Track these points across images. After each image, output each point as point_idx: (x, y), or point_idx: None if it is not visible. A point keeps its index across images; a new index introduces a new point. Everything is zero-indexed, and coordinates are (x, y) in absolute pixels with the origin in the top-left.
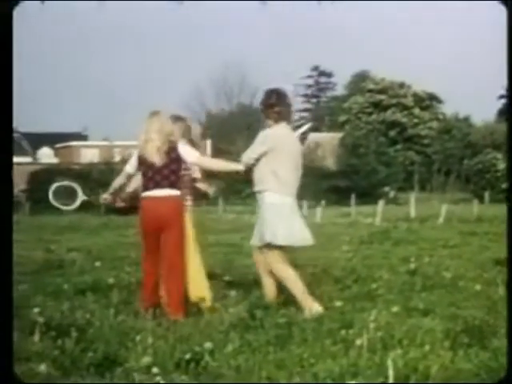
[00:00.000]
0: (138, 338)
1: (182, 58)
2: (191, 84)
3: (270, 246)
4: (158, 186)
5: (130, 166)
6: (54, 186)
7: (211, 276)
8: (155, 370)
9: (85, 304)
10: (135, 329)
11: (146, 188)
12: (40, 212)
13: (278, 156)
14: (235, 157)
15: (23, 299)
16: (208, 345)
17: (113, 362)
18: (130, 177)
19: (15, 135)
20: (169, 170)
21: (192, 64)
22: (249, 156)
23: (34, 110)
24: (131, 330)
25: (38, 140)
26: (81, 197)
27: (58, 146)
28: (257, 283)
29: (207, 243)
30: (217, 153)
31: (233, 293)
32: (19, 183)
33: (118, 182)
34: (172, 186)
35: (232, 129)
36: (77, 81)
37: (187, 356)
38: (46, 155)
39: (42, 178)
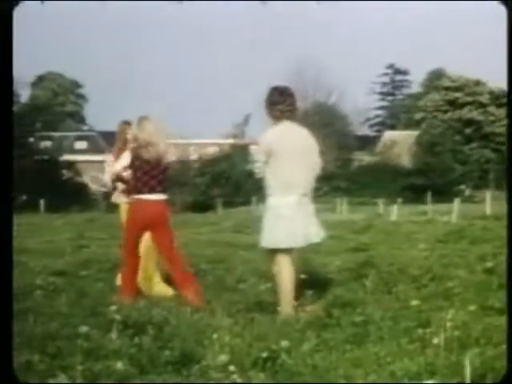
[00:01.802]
0: (214, 335)
1: (256, 57)
2: (265, 83)
3: (274, 250)
4: (152, 190)
5: (121, 167)
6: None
7: None
8: (232, 368)
9: (161, 301)
10: (212, 327)
11: (140, 191)
12: (116, 210)
13: (279, 157)
14: None
15: (100, 297)
16: (285, 343)
17: (190, 360)
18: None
19: (91, 134)
20: (163, 175)
21: (265, 63)
22: (258, 171)
23: (110, 108)
24: (208, 327)
25: (114, 138)
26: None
27: None
28: (334, 282)
29: None
30: None
31: (309, 291)
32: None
33: (118, 167)
34: (163, 190)
35: (308, 127)
36: (154, 79)
37: (264, 354)
38: None
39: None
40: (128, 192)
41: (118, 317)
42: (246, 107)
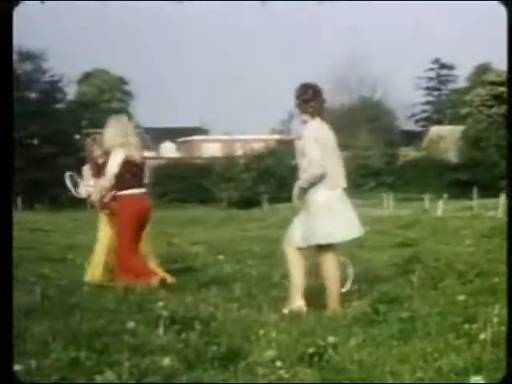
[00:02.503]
0: (261, 331)
1: (300, 54)
2: (310, 78)
3: (321, 246)
4: (140, 184)
5: (115, 168)
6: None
7: None
8: (278, 363)
9: (208, 297)
10: (258, 322)
11: (131, 186)
12: (163, 206)
13: (326, 149)
14: (358, 151)
15: (147, 293)
16: (331, 339)
17: (236, 356)
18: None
19: (137, 130)
20: (143, 170)
21: (310, 59)
22: (318, 164)
23: (156, 104)
24: (254, 323)
25: (161, 135)
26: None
27: (180, 140)
28: (380, 277)
29: None
30: (339, 146)
31: (356, 287)
32: None
33: (107, 184)
34: (144, 185)
35: (353, 123)
36: (198, 75)
37: (310, 350)
38: (169, 150)
39: (165, 172)
40: (117, 189)
41: (165, 313)
42: (292, 103)
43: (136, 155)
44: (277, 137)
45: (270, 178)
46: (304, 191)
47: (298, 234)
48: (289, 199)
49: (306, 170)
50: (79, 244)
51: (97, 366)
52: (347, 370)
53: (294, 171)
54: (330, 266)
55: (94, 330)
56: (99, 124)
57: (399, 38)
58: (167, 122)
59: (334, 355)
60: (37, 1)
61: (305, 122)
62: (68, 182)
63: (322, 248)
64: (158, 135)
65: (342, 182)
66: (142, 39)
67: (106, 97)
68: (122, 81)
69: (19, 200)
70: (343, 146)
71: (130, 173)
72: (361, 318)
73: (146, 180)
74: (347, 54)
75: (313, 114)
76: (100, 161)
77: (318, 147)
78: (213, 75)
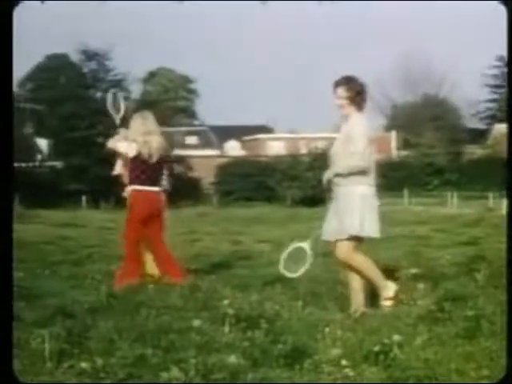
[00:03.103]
0: (326, 329)
1: (364, 51)
2: (374, 76)
3: (351, 239)
4: (153, 182)
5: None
6: None
7: (398, 268)
8: (344, 361)
9: (273, 295)
10: (323, 321)
11: (142, 182)
12: (228, 204)
13: (358, 146)
14: (423, 149)
15: (212, 291)
16: (397, 337)
17: (302, 354)
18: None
19: (202, 128)
20: (159, 168)
21: (374, 57)
22: (363, 157)
23: (222, 103)
24: (319, 321)
25: (226, 133)
26: None
27: (244, 138)
28: (445, 276)
29: (394, 235)
30: (404, 145)
31: (421, 285)
32: (207, 176)
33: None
34: (159, 183)
35: (418, 120)
36: (263, 73)
37: (376, 348)
38: (233, 148)
39: (230, 170)
40: (129, 183)
41: (230, 311)
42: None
43: (151, 153)
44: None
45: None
46: (332, 182)
47: (331, 227)
48: None
49: (346, 160)
50: None
51: (163, 364)
52: (413, 369)
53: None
54: (363, 260)
55: (160, 327)
56: (164, 123)
57: (463, 34)
58: (232, 120)
59: (399, 354)
60: (37, 1)
61: (348, 115)
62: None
63: (351, 242)
64: (223, 133)
65: (375, 179)
66: (208, 38)
67: (170, 95)
68: (187, 79)
69: (84, 198)
70: (408, 144)
71: (141, 169)
72: (426, 316)
73: (165, 180)
74: (411, 50)
75: (361, 107)
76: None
77: (365, 140)
78: (277, 74)
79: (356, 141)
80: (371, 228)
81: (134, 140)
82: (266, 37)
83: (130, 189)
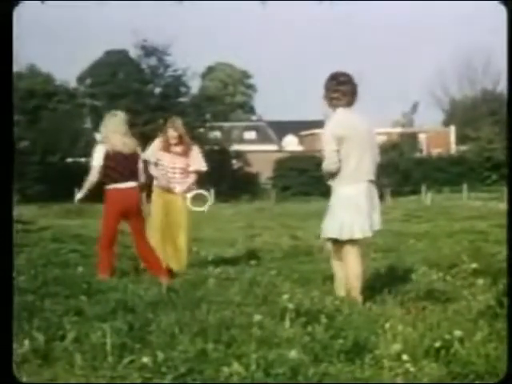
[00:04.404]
0: (387, 325)
1: (424, 46)
2: (434, 70)
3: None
4: (126, 178)
5: (97, 161)
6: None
7: (457, 263)
8: (405, 357)
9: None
10: (384, 316)
11: (114, 180)
12: (286, 199)
13: (348, 143)
14: (482, 143)
15: (272, 286)
16: (457, 333)
17: (362, 349)
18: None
19: (260, 124)
20: (132, 164)
21: (434, 52)
22: (329, 159)
23: (279, 98)
24: (380, 317)
25: (283, 128)
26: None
27: (302, 133)
28: (504, 271)
29: (452, 230)
30: (463, 140)
31: (480, 281)
32: (265, 171)
33: (92, 179)
34: (134, 178)
35: (476, 115)
36: (320, 68)
37: (437, 344)
38: (291, 143)
39: (288, 165)
40: (103, 183)
41: (290, 305)
42: (414, 96)
43: (120, 149)
44: (399, 130)
45: (393, 172)
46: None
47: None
48: (412, 192)
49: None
50: (202, 237)
51: (224, 358)
52: (473, 364)
53: (417, 164)
54: (350, 261)
55: (221, 322)
56: (222, 117)
57: None
58: (290, 115)
59: (460, 349)
60: (37, 1)
61: (329, 114)
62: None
63: (344, 242)
64: (280, 129)
65: (369, 175)
66: (266, 34)
67: (229, 90)
68: (246, 74)
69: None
70: (467, 139)
71: (111, 168)
72: (486, 311)
73: (140, 175)
74: (471, 46)
75: (336, 105)
76: (172, 141)
77: (334, 141)
78: (334, 69)
79: (323, 141)
80: (353, 230)
81: (105, 138)
82: (323, 33)
83: (105, 189)
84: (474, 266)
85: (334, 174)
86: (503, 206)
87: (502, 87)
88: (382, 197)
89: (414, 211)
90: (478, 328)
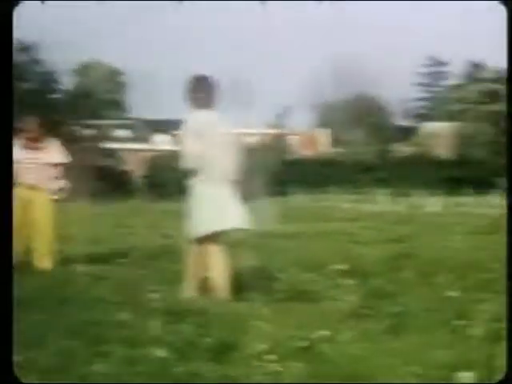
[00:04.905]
0: (255, 324)
1: (299, 53)
2: (309, 74)
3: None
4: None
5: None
6: None
7: (326, 264)
8: (271, 356)
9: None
10: (252, 315)
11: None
12: (158, 198)
13: (208, 142)
14: (353, 147)
15: (140, 284)
16: (324, 333)
17: (230, 348)
18: None
19: (133, 122)
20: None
21: (310, 53)
22: (188, 158)
23: (152, 96)
24: (248, 316)
25: (156, 126)
26: None
27: (175, 132)
28: (372, 272)
29: (322, 231)
30: (336, 142)
31: (348, 281)
32: (138, 169)
33: None
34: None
35: (348, 118)
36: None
37: (303, 343)
38: (164, 141)
39: (161, 164)
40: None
41: (158, 304)
42: (289, 98)
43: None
44: (271, 131)
45: (263, 173)
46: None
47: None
48: (282, 194)
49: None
50: (71, 235)
51: (91, 357)
52: (339, 364)
53: (288, 166)
54: (215, 260)
55: (88, 320)
56: (96, 115)
57: (394, 34)
58: (164, 113)
59: (325, 349)
60: (37, 1)
61: (194, 112)
62: None
63: (208, 241)
64: (152, 127)
65: (229, 175)
66: (137, 30)
67: (102, 87)
68: (118, 72)
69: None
70: (339, 142)
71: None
72: (353, 312)
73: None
74: (344, 50)
75: (197, 105)
76: (30, 138)
77: (192, 140)
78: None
79: (182, 140)
80: (214, 228)
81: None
82: (191, 35)
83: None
84: (342, 266)
85: (194, 173)
86: (374, 208)
87: (375, 90)
88: (250, 197)
89: (284, 212)
90: (345, 328)
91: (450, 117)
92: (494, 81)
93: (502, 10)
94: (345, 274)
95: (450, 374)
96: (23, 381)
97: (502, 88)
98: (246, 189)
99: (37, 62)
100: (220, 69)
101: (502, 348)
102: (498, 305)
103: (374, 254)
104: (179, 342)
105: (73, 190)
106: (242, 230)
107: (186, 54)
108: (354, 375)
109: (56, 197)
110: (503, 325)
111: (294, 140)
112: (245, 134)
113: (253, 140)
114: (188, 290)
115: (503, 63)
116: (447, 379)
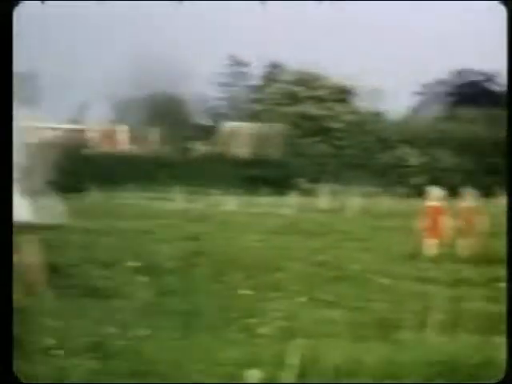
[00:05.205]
0: (42, 319)
1: (98, 50)
2: (104, 70)
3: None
4: None
5: None
6: None
7: (119, 260)
8: (58, 351)
9: None
10: (41, 310)
11: None
12: None
13: None
14: (152, 144)
15: None
16: (112, 330)
17: (17, 343)
18: None
19: None
20: None
21: (106, 51)
22: None
23: None
24: (37, 311)
25: None
26: None
27: None
28: (165, 270)
29: (117, 228)
30: (135, 139)
31: (141, 278)
32: None
33: None
34: None
35: (149, 115)
36: None
37: (93, 339)
38: None
39: None
40: None
41: None
42: (88, 94)
43: None
44: (69, 126)
45: (58, 168)
46: None
47: None
48: (77, 190)
49: None
50: None
51: None
52: (128, 359)
53: (84, 161)
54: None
55: None
56: None
57: (196, 33)
58: None
59: (117, 344)
60: (37, 0)
61: None
62: None
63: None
64: None
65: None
66: None
67: None
68: None
69: None
70: (138, 139)
71: None
72: (144, 309)
73: None
74: (144, 47)
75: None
76: None
77: None
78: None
79: None
80: None
81: None
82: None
83: None
84: (135, 264)
85: None
86: (171, 205)
87: (175, 88)
88: (37, 192)
89: (78, 208)
90: (136, 325)
91: (250, 117)
92: (293, 83)
93: (502, 10)
94: (138, 271)
95: (237, 371)
96: (23, 381)
97: (302, 90)
98: (34, 184)
99: None
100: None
101: (291, 346)
102: (289, 304)
103: (168, 252)
104: None
105: None
106: (27, 224)
107: None
108: (143, 372)
109: None
110: (293, 323)
111: (92, 135)
112: (39, 129)
113: (48, 135)
114: None
115: (305, 65)
116: (234, 377)
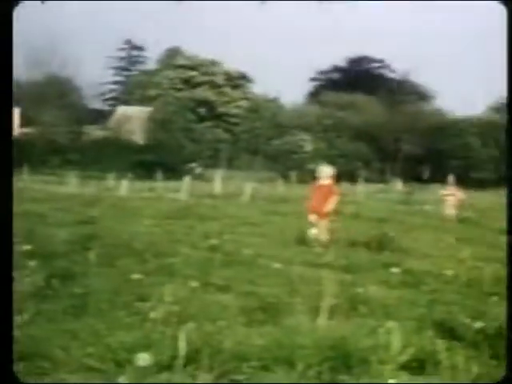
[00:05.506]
0: None
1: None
2: None
3: None
4: None
5: None
6: None
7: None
8: None
9: None
10: None
11: None
12: None
13: None
14: (45, 127)
15: None
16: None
17: None
18: None
19: None
20: None
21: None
22: None
23: None
24: None
25: None
26: None
27: None
28: (57, 253)
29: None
30: (27, 122)
31: (32, 262)
32: None
33: None
34: None
35: (41, 98)
36: None
37: None
38: None
39: None
40: None
41: None
42: None
43: None
44: None
45: None
46: None
47: None
48: None
49: None
50: None
51: None
52: (18, 343)
53: None
54: None
55: None
56: None
57: (92, 16)
58: None
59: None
60: (37, 1)
61: None
62: None
63: None
64: None
65: None
66: None
67: None
68: None
69: None
70: (30, 122)
71: None
72: (34, 292)
73: None
74: (35, 29)
75: None
76: None
77: None
78: None
79: None
80: None
81: None
82: None
83: None
84: (26, 247)
85: None
86: (65, 189)
87: (69, 71)
88: None
89: None
90: (25, 309)
91: (145, 101)
92: (190, 68)
93: (502, 10)
94: (29, 254)
95: (129, 355)
96: (23, 381)
97: (197, 75)
98: None
99: None
100: None
101: (181, 330)
102: (180, 288)
103: (60, 236)
104: None
105: None
106: None
107: None
108: (31, 354)
109: None
110: (184, 308)
111: None
112: None
113: None
114: None
115: (200, 50)
116: (125, 361)
